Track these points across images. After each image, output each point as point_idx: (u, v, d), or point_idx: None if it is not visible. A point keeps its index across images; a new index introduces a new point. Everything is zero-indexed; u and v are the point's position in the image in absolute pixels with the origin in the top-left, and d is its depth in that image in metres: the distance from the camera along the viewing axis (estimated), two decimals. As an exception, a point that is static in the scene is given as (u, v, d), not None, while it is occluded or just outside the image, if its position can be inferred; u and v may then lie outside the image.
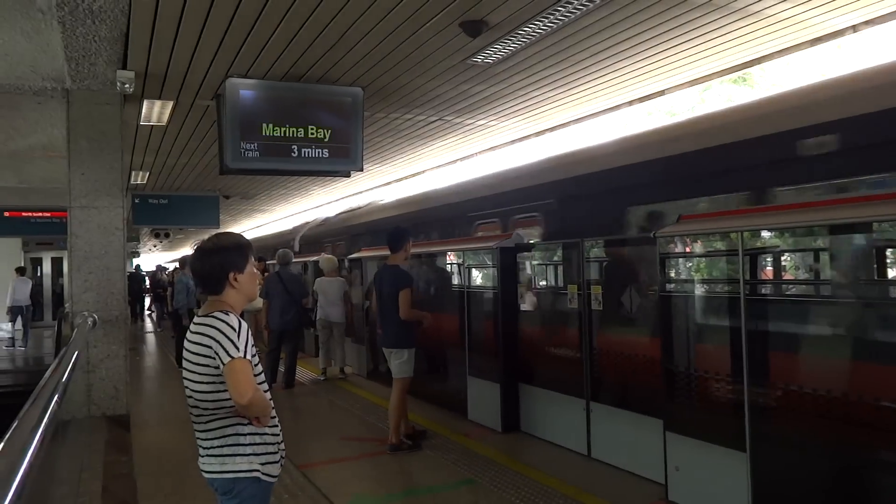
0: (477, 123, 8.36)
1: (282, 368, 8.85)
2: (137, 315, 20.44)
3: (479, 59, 5.88)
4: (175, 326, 11.60)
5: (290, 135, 6.11)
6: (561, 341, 5.65)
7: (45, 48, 5.80)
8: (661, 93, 7.13)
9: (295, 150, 6.13)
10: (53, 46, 5.69)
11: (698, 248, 4.50)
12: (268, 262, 10.86)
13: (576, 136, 8.55)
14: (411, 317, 5.76)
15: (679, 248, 4.51)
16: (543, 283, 6.25)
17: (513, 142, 9.45)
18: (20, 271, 15.95)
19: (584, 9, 4.92)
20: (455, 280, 7.33)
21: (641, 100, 7.42)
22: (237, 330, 2.41)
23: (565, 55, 5.92)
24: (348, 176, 6.73)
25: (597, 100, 7.42)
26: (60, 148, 8.58)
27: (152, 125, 7.77)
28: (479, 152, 10.13)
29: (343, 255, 10.20)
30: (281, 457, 2.57)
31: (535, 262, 6.20)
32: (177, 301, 11.30)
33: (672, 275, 4.51)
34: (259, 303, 9.21)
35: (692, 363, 4.24)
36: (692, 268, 4.58)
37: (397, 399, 5.71)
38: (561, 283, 5.82)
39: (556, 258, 6.02)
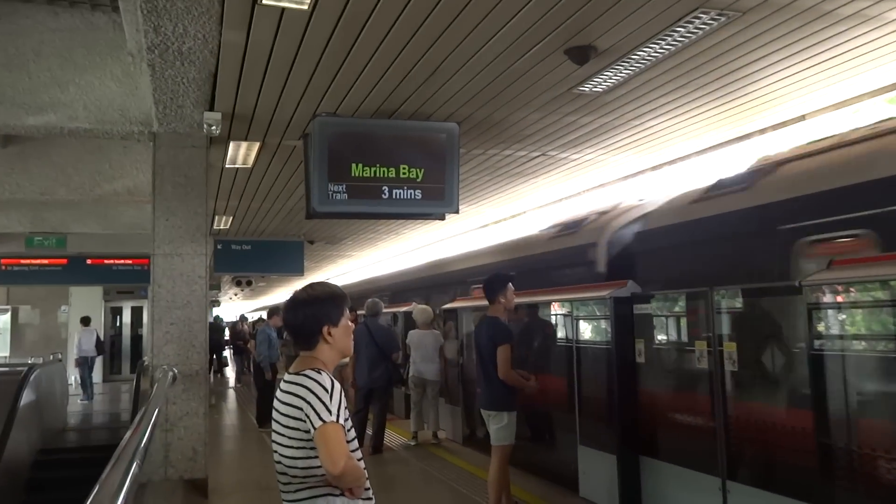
0: (584, 158, 8.33)
1: (369, 431, 8.94)
2: (215, 369, 21.27)
3: (586, 87, 5.89)
4: (256, 382, 12.00)
5: (381, 175, 6.27)
6: (689, 407, 5.45)
7: (134, 91, 6.30)
8: (802, 118, 6.88)
9: (385, 192, 6.28)
10: (142, 90, 6.18)
11: (856, 297, 4.24)
12: (358, 313, 11.06)
13: (700, 170, 8.35)
14: (510, 378, 5.71)
15: (831, 299, 4.27)
16: (664, 337, 6.08)
17: (626, 177, 9.33)
18: (85, 321, 17.04)
19: (707, 28, 4.85)
20: (562, 333, 7.26)
21: (776, 127, 7.18)
22: (329, 391, 2.46)
23: (685, 80, 5.84)
24: (443, 219, 6.81)
25: (723, 128, 7.24)
26: (145, 193, 9.20)
27: (237, 167, 8.19)
28: (588, 190, 10.06)
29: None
30: (375, 533, 2.58)
31: (654, 314, 6.04)
32: (258, 352, 11.69)
33: (823, 330, 4.27)
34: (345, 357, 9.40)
35: (854, 438, 3.96)
36: (849, 322, 4.31)
37: (497, 470, 5.63)
38: (687, 339, 5.65)
39: (679, 309, 5.86)
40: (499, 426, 5.67)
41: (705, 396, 5.21)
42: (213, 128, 6.16)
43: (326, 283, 2.83)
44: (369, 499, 2.57)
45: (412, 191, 6.35)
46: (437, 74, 5.52)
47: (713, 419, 5.11)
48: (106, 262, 14.98)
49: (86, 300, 19.07)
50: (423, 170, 6.36)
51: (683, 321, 5.78)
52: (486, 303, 6.10)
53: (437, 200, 6.45)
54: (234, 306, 46.85)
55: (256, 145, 7.31)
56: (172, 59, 5.00)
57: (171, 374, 6.07)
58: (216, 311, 31.28)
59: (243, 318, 25.25)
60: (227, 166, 8.07)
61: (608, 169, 8.92)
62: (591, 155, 8.19)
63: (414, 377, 9.43)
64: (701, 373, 5.26)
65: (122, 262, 15.01)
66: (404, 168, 6.33)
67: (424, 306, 10.00)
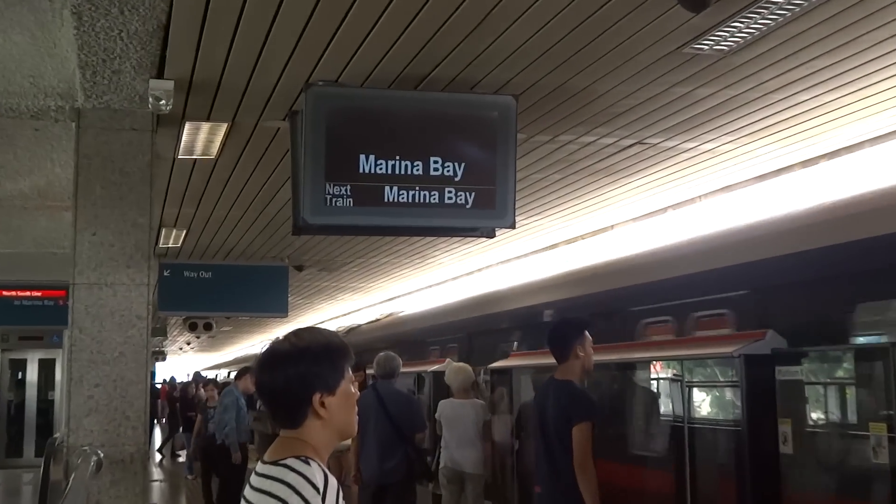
0: (700, 148, 8.29)
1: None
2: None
3: (704, 45, 5.85)
4: (212, 468, 12.04)
5: (402, 172, 6.29)
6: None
7: (51, 51, 6.38)
8: None
9: (409, 196, 6.29)
10: (62, 48, 6.26)
11: None
12: (367, 373, 11.05)
13: (877, 165, 8.24)
14: (588, 472, 5.67)
15: None
16: (821, 416, 6.00)
17: (761, 177, 9.26)
18: None
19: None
20: (666, 408, 7.19)
21: None
22: (321, 490, 2.46)
23: (854, 33, 5.77)
24: (491, 236, 6.79)
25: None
26: (63, 195, 9.30)
27: (195, 159, 8.29)
28: (707, 194, 9.99)
29: None
30: None
31: (806, 381, 5.97)
32: (220, 423, 11.69)
33: None
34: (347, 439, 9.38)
35: None
36: None
37: None
38: (855, 419, 5.58)
39: (844, 374, 5.77)
40: (572, 545, 5.63)
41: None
42: (162, 102, 6.22)
43: (320, 329, 2.82)
44: None
45: (448, 195, 6.35)
46: (488, 24, 5.52)
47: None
48: (5, 293, 15.13)
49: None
50: (463, 165, 6.36)
51: (851, 391, 5.70)
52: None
53: (485, 209, 6.43)
54: (185, 361, 47.28)
55: (223, 128, 7.39)
56: (107, 3, 5.07)
57: (94, 458, 6.09)
58: (160, 368, 31.60)
59: (199, 379, 25.42)
60: (180, 157, 8.16)
61: (736, 164, 8.86)
62: (712, 143, 8.14)
63: (447, 468, 9.38)
64: (879, 470, 5.17)
65: (27, 293, 15.12)
66: (436, 162, 6.34)
67: (462, 364, 9.97)
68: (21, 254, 13.65)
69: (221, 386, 16.03)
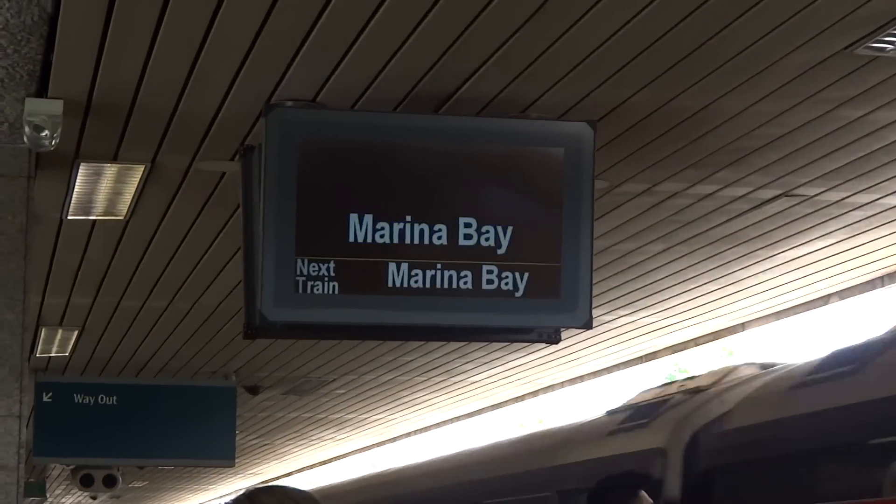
0: (882, 202, 8.38)
1: None
2: None
3: (889, 44, 5.87)
4: None
5: (416, 241, 6.30)
6: None
7: None
8: None
9: (425, 279, 6.29)
10: None
11: None
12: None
13: None
14: None
15: None
16: None
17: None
18: None
19: None
20: None
21: None
22: None
23: None
24: (555, 341, 6.80)
25: None
26: None
27: (94, 221, 8.35)
28: (892, 274, 9.95)
29: None
30: None
31: None
32: None
33: None
34: None
35: None
36: None
37: None
38: None
39: None
40: None
41: None
42: (45, 134, 6.24)
43: (288, 489, 2.79)
44: None
45: (487, 277, 6.34)
46: (549, 15, 5.52)
47: None
48: None
49: None
50: (511, 229, 6.37)
51: None
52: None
53: (544, 299, 6.45)
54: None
55: (138, 172, 7.43)
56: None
57: None
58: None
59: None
60: (70, 218, 8.21)
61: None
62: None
63: None
64: None
65: None
66: (469, 224, 6.35)
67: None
68: None
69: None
